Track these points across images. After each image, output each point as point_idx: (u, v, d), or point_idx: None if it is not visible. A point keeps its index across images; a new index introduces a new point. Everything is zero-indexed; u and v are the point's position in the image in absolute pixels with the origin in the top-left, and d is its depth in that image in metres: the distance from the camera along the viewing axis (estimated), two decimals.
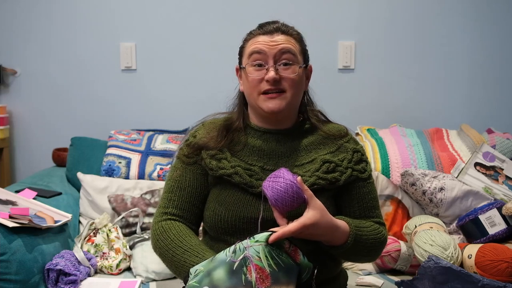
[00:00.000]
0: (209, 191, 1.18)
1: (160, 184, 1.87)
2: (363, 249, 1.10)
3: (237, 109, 1.22)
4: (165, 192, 1.19)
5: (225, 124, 1.19)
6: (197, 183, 1.17)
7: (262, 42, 1.11)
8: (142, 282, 1.54)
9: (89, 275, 1.54)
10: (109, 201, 1.80)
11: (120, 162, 1.97)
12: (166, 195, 1.18)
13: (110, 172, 1.94)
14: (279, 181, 0.98)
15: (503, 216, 1.59)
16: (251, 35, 1.15)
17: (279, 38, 1.11)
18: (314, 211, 0.99)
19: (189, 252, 1.05)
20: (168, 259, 1.08)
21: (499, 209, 1.61)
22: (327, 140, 1.19)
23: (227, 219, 1.10)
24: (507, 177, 1.80)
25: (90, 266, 1.55)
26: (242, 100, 1.22)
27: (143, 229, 1.74)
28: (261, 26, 1.15)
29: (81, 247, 1.62)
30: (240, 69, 1.19)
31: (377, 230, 1.13)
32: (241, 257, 0.91)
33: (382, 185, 1.81)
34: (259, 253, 0.91)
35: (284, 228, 0.94)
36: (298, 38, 1.16)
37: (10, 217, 1.39)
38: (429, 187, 1.71)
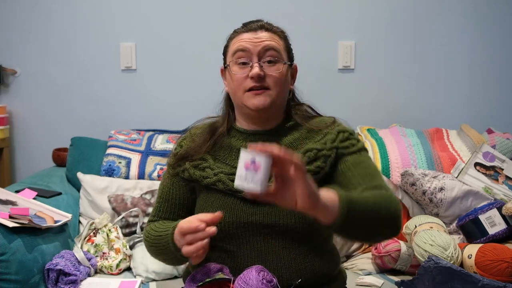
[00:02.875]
0: (194, 201, 1.18)
1: None
2: (367, 211, 0.93)
3: (223, 113, 1.21)
4: (156, 199, 1.23)
5: (210, 130, 1.19)
6: (181, 195, 1.18)
7: (246, 39, 1.11)
8: (142, 282, 1.54)
9: (89, 275, 1.54)
10: (109, 201, 1.79)
11: (120, 162, 1.97)
12: (156, 205, 1.22)
13: (110, 172, 1.94)
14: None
15: (503, 216, 1.59)
16: (235, 33, 1.16)
17: (263, 35, 1.11)
18: None
19: (171, 224, 1.09)
20: (156, 250, 1.12)
21: (499, 209, 1.61)
22: (312, 133, 1.15)
23: (216, 224, 1.07)
24: (507, 177, 1.80)
25: (90, 266, 1.55)
26: (228, 103, 1.21)
27: (143, 229, 1.74)
28: (244, 25, 1.15)
29: (81, 247, 1.62)
30: (224, 68, 1.18)
31: (376, 191, 0.99)
32: None
33: None
34: None
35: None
36: (282, 36, 1.16)
37: (10, 217, 1.39)
38: (429, 187, 1.71)
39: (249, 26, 1.13)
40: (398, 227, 1.00)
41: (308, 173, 1.03)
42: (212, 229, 0.94)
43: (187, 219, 0.99)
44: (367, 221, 0.94)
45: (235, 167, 1.10)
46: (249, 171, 0.82)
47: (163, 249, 1.09)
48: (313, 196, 0.82)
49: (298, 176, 0.80)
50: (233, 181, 1.07)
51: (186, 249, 0.96)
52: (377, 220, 0.96)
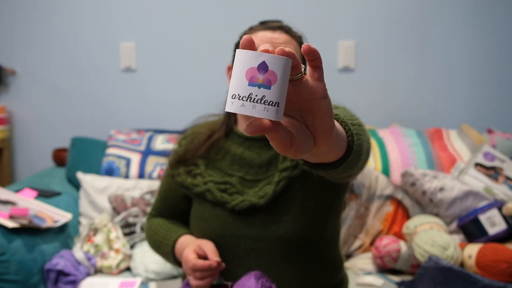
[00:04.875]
0: (188, 206, 1.17)
1: None
2: (364, 134, 0.81)
3: (223, 116, 1.17)
4: (157, 194, 1.24)
5: (209, 132, 1.15)
6: (176, 200, 1.18)
7: (262, 38, 1.05)
8: (142, 282, 1.54)
9: (88, 275, 1.54)
10: (109, 201, 1.79)
11: (120, 162, 1.97)
12: (156, 200, 1.23)
13: (110, 172, 1.94)
14: None
15: (503, 216, 1.59)
16: (250, 30, 1.10)
17: (281, 36, 1.05)
18: None
19: (171, 231, 1.13)
20: (156, 246, 1.14)
21: (499, 209, 1.61)
22: None
23: (207, 236, 1.07)
24: (507, 177, 1.80)
25: (89, 266, 1.55)
26: None
27: (143, 229, 1.74)
28: (262, 23, 1.10)
29: (81, 247, 1.62)
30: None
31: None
32: None
33: (382, 185, 1.81)
34: None
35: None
36: (300, 41, 1.10)
37: (10, 217, 1.39)
38: (429, 187, 1.71)
39: (267, 25, 1.07)
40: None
41: (296, 170, 1.03)
42: (223, 265, 0.97)
43: (200, 250, 1.00)
44: (363, 147, 0.78)
45: (228, 174, 1.08)
46: (255, 84, 0.49)
47: (162, 254, 1.13)
48: (332, 111, 0.56)
49: (319, 69, 0.54)
50: (222, 191, 1.05)
51: (196, 283, 0.98)
52: (368, 145, 0.85)
